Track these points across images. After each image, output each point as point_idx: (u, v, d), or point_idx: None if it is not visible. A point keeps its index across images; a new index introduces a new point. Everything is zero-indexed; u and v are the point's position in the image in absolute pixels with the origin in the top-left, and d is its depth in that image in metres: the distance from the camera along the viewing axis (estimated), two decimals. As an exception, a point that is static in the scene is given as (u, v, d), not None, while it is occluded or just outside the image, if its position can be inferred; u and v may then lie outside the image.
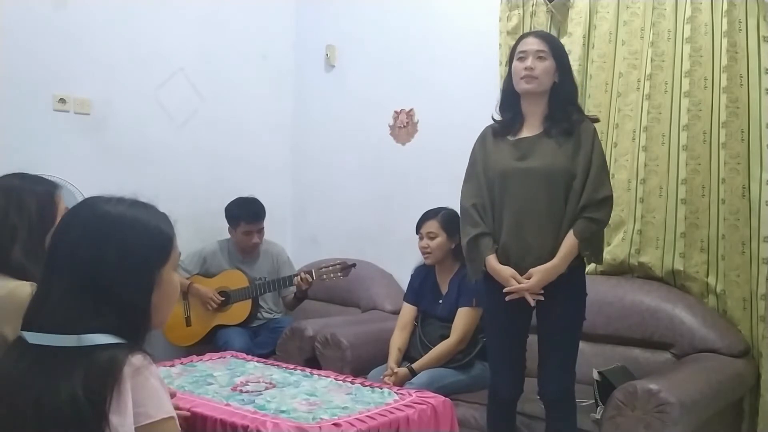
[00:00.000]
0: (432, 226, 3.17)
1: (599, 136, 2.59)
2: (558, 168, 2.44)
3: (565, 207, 2.43)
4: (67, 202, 1.94)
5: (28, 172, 1.99)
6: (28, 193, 1.89)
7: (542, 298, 2.44)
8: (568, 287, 2.46)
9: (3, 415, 1.18)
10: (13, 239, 1.83)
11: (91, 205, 1.29)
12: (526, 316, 2.54)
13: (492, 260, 2.49)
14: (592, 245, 2.46)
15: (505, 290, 2.45)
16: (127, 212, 1.27)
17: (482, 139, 2.63)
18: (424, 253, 3.20)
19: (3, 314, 1.70)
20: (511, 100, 2.57)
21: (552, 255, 2.42)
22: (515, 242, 2.47)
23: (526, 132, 2.53)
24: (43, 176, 2.01)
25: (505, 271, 2.45)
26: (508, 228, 2.48)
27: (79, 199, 3.14)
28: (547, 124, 2.49)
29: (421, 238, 3.21)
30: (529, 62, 2.46)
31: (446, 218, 3.16)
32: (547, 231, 2.44)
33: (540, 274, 2.41)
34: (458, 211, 2.97)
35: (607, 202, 2.45)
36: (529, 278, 2.42)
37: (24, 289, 1.74)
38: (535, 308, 2.50)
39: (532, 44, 2.49)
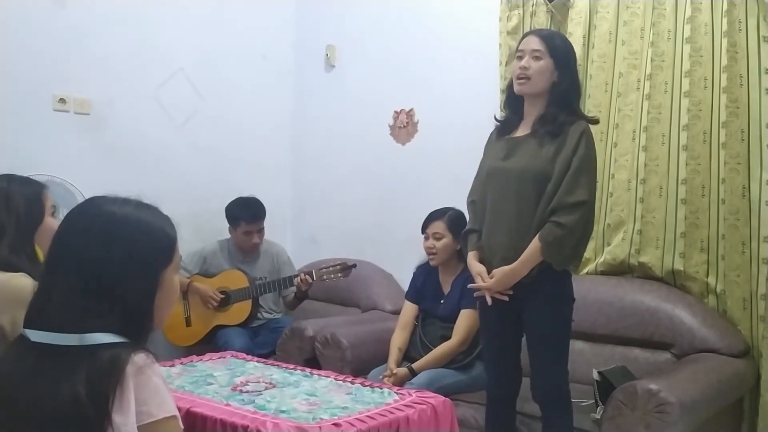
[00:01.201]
0: (438, 226, 3.16)
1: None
2: (533, 170, 2.42)
3: (536, 209, 2.41)
4: (67, 202, 1.96)
5: (20, 173, 2.03)
6: (16, 194, 1.92)
7: (505, 299, 2.44)
8: (545, 290, 2.43)
9: (4, 415, 1.18)
10: (0, 237, 1.87)
11: (96, 205, 1.29)
12: (519, 315, 2.53)
13: (470, 257, 2.55)
14: (557, 251, 2.37)
15: (468, 286, 2.52)
16: (134, 213, 1.27)
17: (489, 137, 2.66)
18: (429, 254, 3.20)
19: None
20: (514, 98, 2.57)
21: (518, 257, 2.41)
22: (488, 241, 2.51)
23: (520, 131, 2.54)
24: (30, 177, 2.04)
25: (474, 268, 2.51)
26: (485, 227, 2.53)
27: (80, 199, 3.15)
28: (537, 124, 2.48)
29: (426, 238, 3.20)
30: (524, 62, 2.46)
31: (453, 219, 3.15)
32: (515, 233, 2.43)
33: (499, 275, 2.43)
34: (464, 211, 2.99)
35: (580, 207, 2.36)
36: (491, 278, 2.45)
37: (19, 279, 1.77)
38: (521, 309, 2.50)
39: (529, 43, 2.49)
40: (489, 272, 2.47)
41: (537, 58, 2.44)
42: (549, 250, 2.36)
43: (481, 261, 2.52)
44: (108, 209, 1.27)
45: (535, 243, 2.38)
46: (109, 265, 1.21)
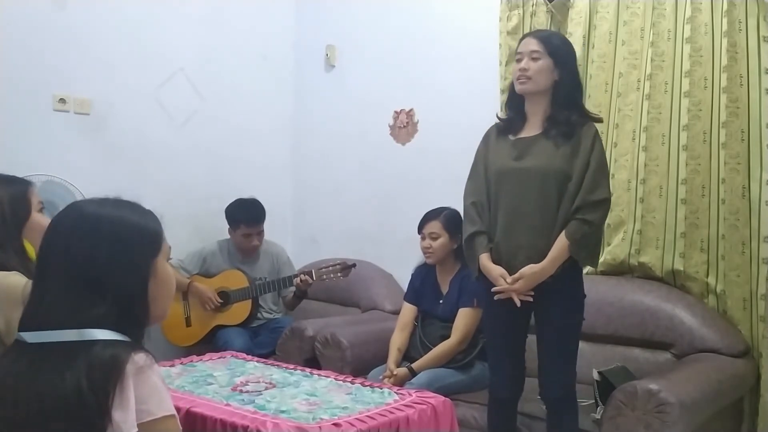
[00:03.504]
0: (434, 226, 3.16)
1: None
2: (553, 169, 2.43)
3: (558, 208, 2.42)
4: (67, 202, 1.97)
5: (20, 173, 2.05)
6: (1, 194, 1.92)
7: (530, 299, 2.44)
8: (564, 288, 2.45)
9: (5, 414, 1.19)
10: None
11: (77, 208, 1.34)
12: (525, 315, 2.54)
13: (484, 259, 2.51)
14: (584, 247, 2.42)
15: (492, 290, 2.47)
16: (114, 211, 1.32)
17: (486, 137, 2.65)
18: (426, 253, 3.20)
19: None
20: (516, 98, 2.57)
21: (543, 256, 2.41)
22: (507, 242, 2.48)
23: (527, 132, 2.54)
24: (16, 176, 2.04)
25: (495, 271, 2.47)
26: (501, 227, 2.50)
27: (80, 199, 3.15)
28: (547, 124, 2.49)
29: (423, 238, 3.20)
30: (523, 63, 2.47)
31: (449, 218, 3.16)
32: (538, 232, 2.43)
33: (528, 275, 2.41)
34: (460, 210, 2.98)
35: (603, 204, 2.43)
36: (517, 279, 2.42)
37: (12, 278, 1.77)
38: (533, 308, 2.50)
39: (527, 45, 2.50)
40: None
41: (535, 59, 2.46)
42: (577, 247, 2.39)
43: (494, 262, 2.50)
44: (88, 210, 1.31)
45: (562, 241, 2.39)
46: (96, 260, 1.25)
